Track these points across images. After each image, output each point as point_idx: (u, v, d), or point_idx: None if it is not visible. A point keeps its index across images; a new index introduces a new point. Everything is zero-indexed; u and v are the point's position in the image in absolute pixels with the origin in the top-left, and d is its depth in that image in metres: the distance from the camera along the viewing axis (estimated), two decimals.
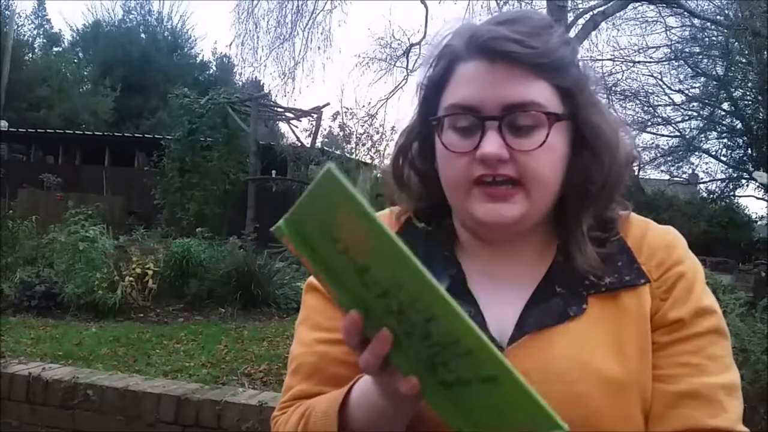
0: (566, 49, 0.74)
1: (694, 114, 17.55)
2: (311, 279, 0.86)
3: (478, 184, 0.73)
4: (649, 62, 14.87)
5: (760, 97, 15.40)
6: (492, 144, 0.71)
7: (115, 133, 17.73)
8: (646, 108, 16.45)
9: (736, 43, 12.80)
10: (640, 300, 0.75)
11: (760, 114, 16.21)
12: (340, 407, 0.71)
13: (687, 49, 14.71)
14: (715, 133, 18.22)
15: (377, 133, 12.34)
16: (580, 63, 0.76)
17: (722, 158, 18.36)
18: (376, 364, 0.58)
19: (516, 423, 0.55)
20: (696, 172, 19.70)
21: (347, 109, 12.61)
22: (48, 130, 17.21)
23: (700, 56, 15.20)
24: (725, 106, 17.07)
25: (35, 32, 26.62)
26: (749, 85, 15.86)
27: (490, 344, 0.53)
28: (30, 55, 24.73)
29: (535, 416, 0.54)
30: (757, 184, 15.25)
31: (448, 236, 0.82)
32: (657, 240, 0.79)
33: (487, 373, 0.54)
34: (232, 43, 12.95)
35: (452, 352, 0.54)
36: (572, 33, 8.81)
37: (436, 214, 0.84)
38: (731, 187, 18.77)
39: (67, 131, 17.14)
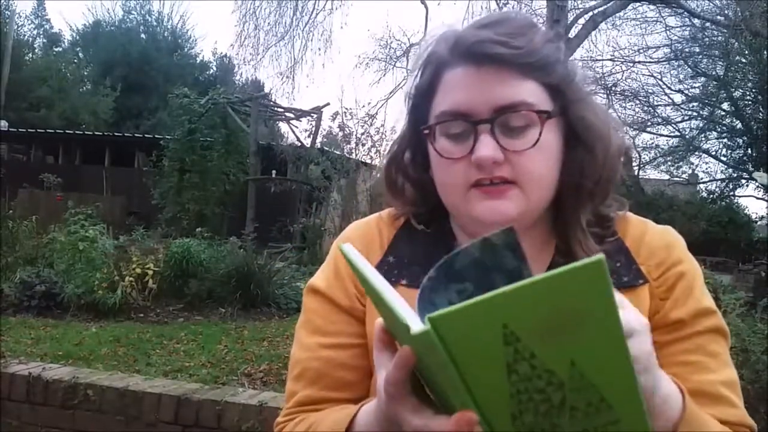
0: (551, 46, 0.74)
1: (694, 114, 17.56)
2: (312, 281, 0.85)
3: (474, 187, 0.73)
4: (649, 62, 14.90)
5: (760, 97, 15.40)
6: (486, 147, 0.71)
7: (115, 133, 17.70)
8: (646, 108, 16.47)
9: (736, 43, 12.80)
10: (638, 301, 0.75)
11: (760, 114, 16.20)
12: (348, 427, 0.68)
13: (687, 49, 14.72)
14: (715, 133, 18.23)
15: (377, 133, 12.33)
16: (566, 59, 0.76)
17: (722, 158, 18.37)
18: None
19: None
20: (696, 172, 19.68)
21: (347, 109, 12.58)
22: (48, 130, 17.19)
23: (700, 56, 15.20)
24: (725, 106, 17.07)
25: (35, 32, 26.66)
26: (749, 85, 15.87)
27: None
28: (30, 55, 24.70)
29: None
30: (757, 184, 15.24)
31: (447, 239, 0.82)
32: (656, 240, 0.79)
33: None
34: (234, 44, 12.93)
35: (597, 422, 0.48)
36: (572, 33, 8.80)
37: (433, 217, 0.83)
38: (731, 187, 18.78)
39: (67, 131, 17.12)
